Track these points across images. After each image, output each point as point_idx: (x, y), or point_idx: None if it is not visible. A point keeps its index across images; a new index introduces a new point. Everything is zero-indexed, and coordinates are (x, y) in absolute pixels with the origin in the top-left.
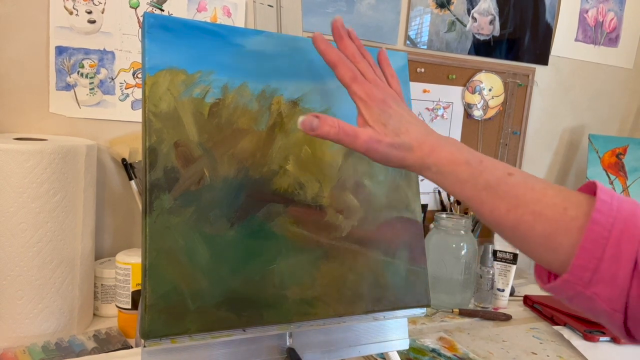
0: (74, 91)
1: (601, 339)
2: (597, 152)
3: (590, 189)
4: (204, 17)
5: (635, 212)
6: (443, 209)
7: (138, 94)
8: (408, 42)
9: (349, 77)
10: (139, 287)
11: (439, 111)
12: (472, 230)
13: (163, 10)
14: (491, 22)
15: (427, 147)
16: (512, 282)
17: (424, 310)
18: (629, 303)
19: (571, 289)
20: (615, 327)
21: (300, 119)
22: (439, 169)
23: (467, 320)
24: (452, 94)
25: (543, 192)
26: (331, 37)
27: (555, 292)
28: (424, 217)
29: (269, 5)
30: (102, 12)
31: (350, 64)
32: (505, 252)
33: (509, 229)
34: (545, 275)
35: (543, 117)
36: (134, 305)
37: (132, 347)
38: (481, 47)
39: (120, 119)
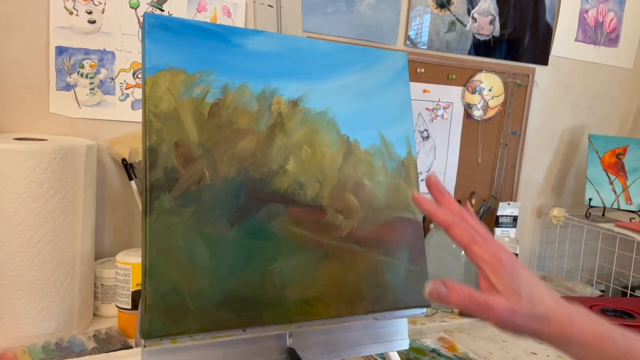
0: (74, 91)
1: None
2: (597, 152)
3: None
4: (204, 17)
5: None
6: None
7: (138, 94)
8: (408, 42)
9: (467, 239)
10: (139, 287)
11: (439, 111)
12: None
13: (163, 11)
14: (491, 22)
15: (565, 318)
16: None
17: (424, 310)
18: None
19: None
20: None
21: (428, 288)
22: (582, 343)
23: (467, 320)
24: (452, 94)
25: None
26: (331, 38)
27: None
28: (424, 217)
29: (269, 5)
30: (102, 12)
31: (464, 223)
32: None
33: None
34: None
35: (543, 117)
36: (134, 305)
37: (132, 347)
38: (481, 47)
39: (120, 119)
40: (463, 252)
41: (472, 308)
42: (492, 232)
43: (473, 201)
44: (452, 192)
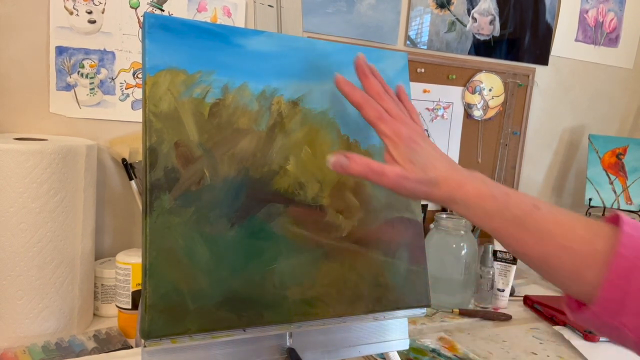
0: (74, 91)
1: (601, 339)
2: (597, 152)
3: (615, 220)
4: (204, 17)
5: None
6: (443, 209)
7: (138, 94)
8: (408, 42)
9: (374, 117)
10: (139, 287)
11: (439, 111)
12: (472, 231)
13: (163, 11)
14: (491, 22)
15: (453, 182)
16: (512, 282)
17: (424, 310)
18: None
19: (598, 319)
20: None
21: (331, 158)
22: (466, 203)
23: (467, 320)
24: (452, 94)
25: (570, 224)
26: (331, 38)
27: (583, 322)
28: (424, 217)
29: (269, 5)
30: (103, 12)
31: (375, 103)
32: (505, 252)
33: (537, 261)
34: (574, 304)
35: (543, 117)
36: (134, 305)
37: (132, 347)
38: (481, 47)
39: (120, 119)
40: (463, 252)
41: (369, 175)
42: None
43: None
44: None
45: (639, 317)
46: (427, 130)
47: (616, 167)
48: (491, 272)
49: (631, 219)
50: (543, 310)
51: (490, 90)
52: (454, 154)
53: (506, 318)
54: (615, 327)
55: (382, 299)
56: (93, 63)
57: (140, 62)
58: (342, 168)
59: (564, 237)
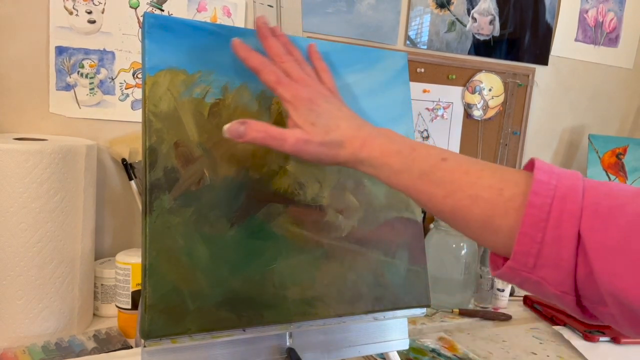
0: (74, 91)
1: (601, 339)
2: (597, 152)
3: (530, 167)
4: (204, 17)
5: (574, 186)
6: None
7: (138, 94)
8: (408, 42)
9: (272, 81)
10: (139, 287)
11: (438, 111)
12: None
13: (163, 10)
14: (491, 22)
15: (358, 141)
16: None
17: (424, 310)
18: (577, 283)
19: (517, 275)
20: (570, 309)
21: (226, 126)
22: (372, 162)
23: (467, 320)
24: (452, 94)
25: (478, 174)
26: (331, 38)
27: (504, 278)
28: (424, 217)
29: (269, 5)
30: (102, 12)
31: (273, 66)
32: None
33: (448, 214)
34: (496, 260)
35: (543, 117)
36: (134, 305)
37: (132, 347)
38: (481, 47)
39: (120, 119)
40: (463, 252)
41: (269, 142)
42: None
43: None
44: None
45: (557, 269)
46: (426, 130)
47: (616, 167)
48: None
49: (547, 163)
50: (543, 310)
51: (490, 90)
52: None
53: (506, 318)
54: (536, 282)
55: (382, 299)
56: (93, 63)
57: (140, 62)
58: (238, 135)
59: (472, 187)
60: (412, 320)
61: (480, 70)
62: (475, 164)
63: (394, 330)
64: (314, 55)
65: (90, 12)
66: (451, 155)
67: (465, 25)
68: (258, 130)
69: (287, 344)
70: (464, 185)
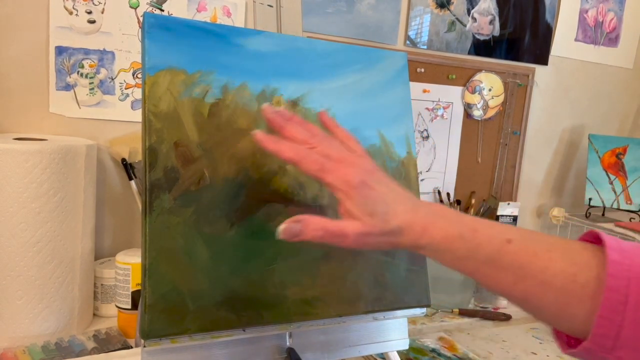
0: (74, 91)
1: None
2: (597, 152)
3: (594, 238)
4: (204, 17)
5: None
6: None
7: (138, 94)
8: (408, 42)
9: (316, 170)
10: (139, 287)
11: (438, 111)
12: None
13: (163, 10)
14: (491, 22)
15: (417, 227)
16: None
17: (424, 310)
18: None
19: (594, 356)
20: None
21: (281, 227)
22: (433, 248)
23: (467, 320)
24: (452, 94)
25: (547, 257)
26: (331, 38)
27: (577, 357)
28: None
29: (268, 5)
30: (102, 12)
31: (312, 153)
32: None
33: (519, 300)
34: (566, 340)
35: (543, 117)
36: (134, 305)
37: (132, 347)
38: (481, 47)
39: (120, 119)
40: None
41: (328, 239)
42: None
43: (473, 201)
44: (452, 192)
45: (636, 349)
46: (426, 130)
47: (616, 167)
48: None
49: (611, 237)
50: None
51: (490, 90)
52: (454, 154)
53: (506, 318)
54: None
55: (382, 299)
56: (93, 63)
57: (140, 62)
58: (294, 235)
59: (542, 272)
60: (412, 320)
61: (480, 70)
62: (541, 242)
63: (394, 330)
64: (330, 123)
65: (90, 12)
66: (515, 235)
67: (465, 25)
68: (316, 228)
69: (287, 344)
70: (534, 270)
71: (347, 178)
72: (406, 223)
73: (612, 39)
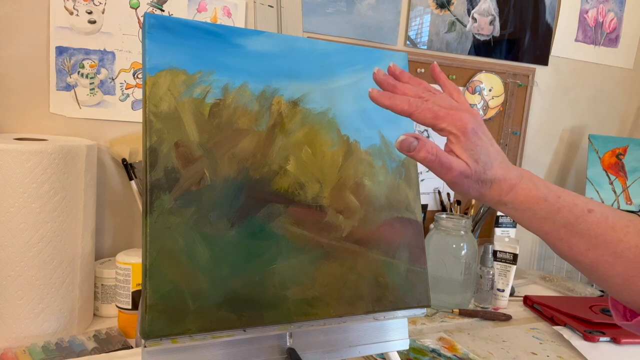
0: (74, 91)
1: (601, 339)
2: (597, 153)
3: None
4: (204, 17)
5: None
6: (443, 209)
7: (138, 94)
8: (408, 42)
9: (430, 117)
10: (139, 287)
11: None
12: (472, 231)
13: (163, 11)
14: (491, 23)
15: (506, 184)
16: (512, 283)
17: (424, 310)
18: None
19: None
20: None
21: (401, 138)
22: (515, 205)
23: (467, 320)
24: None
25: (624, 231)
26: (331, 38)
27: (631, 329)
28: (424, 217)
29: (269, 5)
30: (103, 13)
31: (423, 103)
32: (505, 252)
33: (588, 267)
34: (622, 312)
35: (543, 117)
36: (134, 306)
37: (132, 347)
38: (481, 48)
39: (120, 119)
40: (463, 252)
41: (435, 166)
42: (492, 232)
43: (473, 201)
44: (452, 192)
45: None
46: (427, 131)
47: (616, 167)
48: (491, 272)
49: None
50: (543, 310)
51: (490, 90)
52: None
53: (506, 318)
54: None
55: (382, 299)
56: (93, 63)
57: (141, 62)
58: (409, 149)
59: (617, 244)
60: (412, 321)
61: (480, 71)
62: (621, 218)
63: (394, 330)
64: (440, 76)
65: (90, 12)
66: (597, 207)
67: (465, 26)
68: (430, 151)
69: (288, 344)
70: (609, 241)
71: (462, 123)
72: (498, 178)
73: (612, 39)
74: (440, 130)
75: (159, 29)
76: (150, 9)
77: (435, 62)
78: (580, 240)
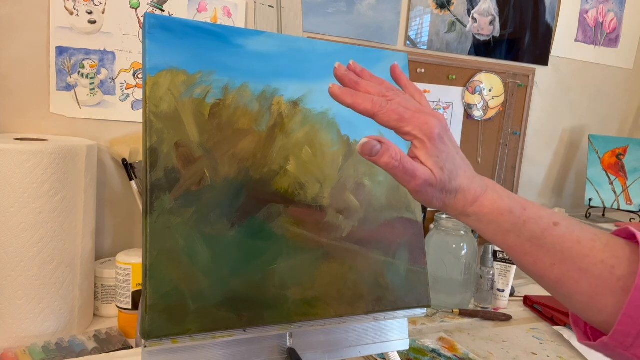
0: (75, 91)
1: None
2: (597, 153)
3: (629, 235)
4: (204, 17)
5: None
6: None
7: (138, 94)
8: (408, 42)
9: (395, 120)
10: (140, 288)
11: (439, 112)
12: (472, 231)
13: (163, 11)
14: (491, 23)
15: (470, 195)
16: (512, 283)
17: (424, 310)
18: None
19: (611, 350)
20: None
21: (363, 140)
22: (479, 217)
23: (467, 320)
24: (452, 94)
25: (590, 246)
26: (331, 38)
27: (595, 349)
28: (424, 218)
29: (269, 5)
30: (103, 13)
31: (389, 104)
32: None
33: (553, 283)
34: (585, 333)
35: (543, 117)
36: (135, 306)
37: (132, 347)
38: (481, 48)
39: (120, 119)
40: (463, 252)
41: (398, 173)
42: None
43: None
44: None
45: None
46: None
47: (616, 167)
48: (491, 272)
49: None
50: (543, 311)
51: (490, 90)
52: None
53: (506, 318)
54: (627, 357)
55: (382, 299)
56: (93, 63)
57: (141, 62)
58: (371, 153)
59: (583, 259)
60: (412, 321)
61: (480, 71)
62: (586, 231)
63: (394, 330)
64: (401, 76)
65: (90, 13)
66: (562, 220)
67: (465, 26)
68: (394, 157)
69: (288, 344)
70: (575, 256)
71: (428, 127)
72: (462, 188)
73: (612, 40)
74: (404, 134)
75: (159, 29)
76: (151, 9)
77: (396, 63)
78: (546, 254)
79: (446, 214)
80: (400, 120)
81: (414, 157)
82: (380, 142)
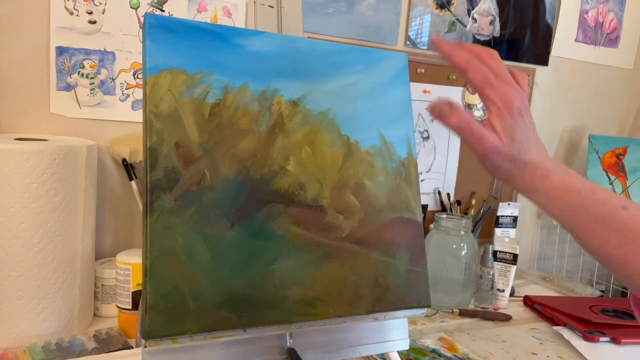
0: (75, 91)
1: (601, 339)
2: (597, 153)
3: None
4: (205, 17)
5: None
6: (443, 209)
7: (138, 94)
8: (408, 42)
9: (481, 81)
10: (140, 288)
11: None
12: (472, 231)
13: (163, 11)
14: (491, 23)
15: (541, 170)
16: (512, 283)
17: (424, 310)
18: None
19: None
20: None
21: (433, 102)
22: (548, 193)
23: (467, 320)
24: (452, 94)
25: None
26: (331, 38)
27: None
28: (424, 218)
29: (269, 5)
30: (103, 13)
31: (482, 65)
32: (505, 252)
33: (617, 263)
34: None
35: (543, 117)
36: (135, 306)
37: (132, 347)
38: None
39: (120, 119)
40: (463, 252)
41: (466, 135)
42: (492, 232)
43: (473, 202)
44: (452, 192)
45: None
46: (427, 131)
47: (616, 167)
48: (491, 272)
49: None
50: (543, 311)
51: None
52: (454, 155)
53: (506, 318)
54: None
55: (382, 299)
56: (93, 63)
57: (141, 62)
58: (440, 114)
59: None
60: (412, 321)
61: None
62: None
63: (394, 330)
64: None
65: (90, 13)
66: (631, 205)
67: (465, 26)
68: (462, 119)
69: (288, 344)
70: None
71: (508, 99)
72: (533, 162)
73: (612, 40)
74: (485, 99)
75: (159, 29)
76: (151, 9)
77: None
78: (613, 235)
79: (446, 214)
80: (486, 83)
81: (488, 125)
82: (450, 104)
